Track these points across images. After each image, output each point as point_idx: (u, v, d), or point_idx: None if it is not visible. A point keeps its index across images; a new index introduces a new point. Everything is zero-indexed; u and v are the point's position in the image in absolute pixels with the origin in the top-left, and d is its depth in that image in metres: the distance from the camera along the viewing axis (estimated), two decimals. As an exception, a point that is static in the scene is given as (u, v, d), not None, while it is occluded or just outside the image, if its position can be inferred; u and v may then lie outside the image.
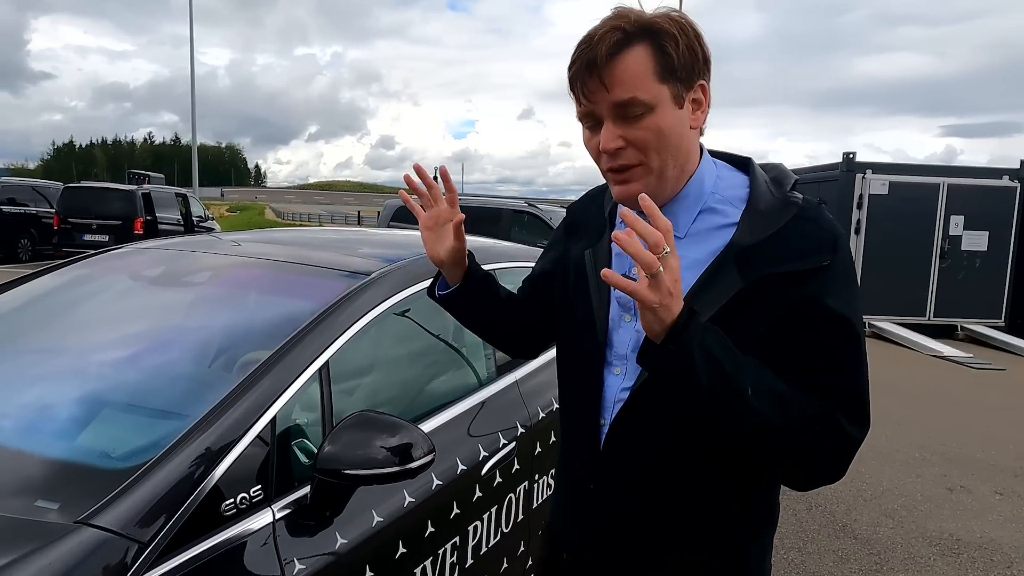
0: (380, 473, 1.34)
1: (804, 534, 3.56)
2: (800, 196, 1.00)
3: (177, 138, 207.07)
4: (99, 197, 14.16)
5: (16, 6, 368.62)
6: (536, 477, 2.14)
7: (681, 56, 0.93)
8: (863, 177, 10.41)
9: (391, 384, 1.98)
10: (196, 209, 16.74)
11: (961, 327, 10.50)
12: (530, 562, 2.14)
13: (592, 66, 0.93)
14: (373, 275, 1.84)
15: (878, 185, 10.42)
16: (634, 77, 0.92)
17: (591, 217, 1.17)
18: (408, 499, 1.58)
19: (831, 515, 3.80)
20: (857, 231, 10.45)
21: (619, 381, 1.04)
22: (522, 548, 2.09)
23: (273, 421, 1.38)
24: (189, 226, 15.58)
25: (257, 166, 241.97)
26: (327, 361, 1.54)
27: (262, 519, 1.30)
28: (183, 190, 17.14)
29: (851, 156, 10.51)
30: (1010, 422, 5.96)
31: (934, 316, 10.63)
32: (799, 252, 0.94)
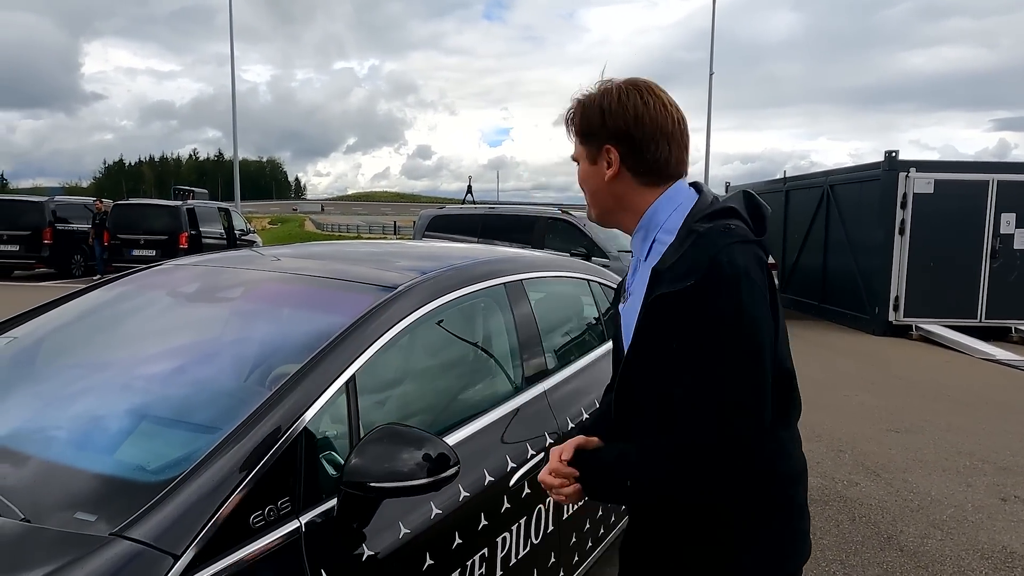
0: (405, 486, 1.36)
1: (847, 546, 3.46)
2: (705, 226, 1.14)
3: (220, 153, 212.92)
4: (146, 214, 14.70)
5: (70, 32, 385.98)
6: (566, 488, 2.14)
7: (579, 124, 1.27)
8: (907, 176, 10.12)
9: (419, 395, 2.00)
10: (238, 223, 17.18)
11: (1015, 329, 10.10)
12: (562, 573, 2.13)
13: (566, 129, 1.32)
14: (400, 288, 1.86)
15: (923, 184, 10.11)
16: (572, 140, 1.31)
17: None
18: (435, 511, 1.60)
19: (875, 526, 3.69)
20: (901, 232, 10.16)
21: (619, 372, 1.29)
22: (552, 559, 2.08)
23: (301, 434, 1.41)
24: (232, 239, 15.99)
25: (297, 179, 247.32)
26: (354, 374, 1.57)
27: (290, 530, 1.32)
28: (225, 204, 17.57)
29: (893, 154, 10.22)
30: (1069, 428, 5.71)
31: (986, 318, 10.25)
32: (679, 275, 1.10)
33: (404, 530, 1.51)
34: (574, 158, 1.31)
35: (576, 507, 2.20)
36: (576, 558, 2.25)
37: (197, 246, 14.07)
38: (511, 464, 1.88)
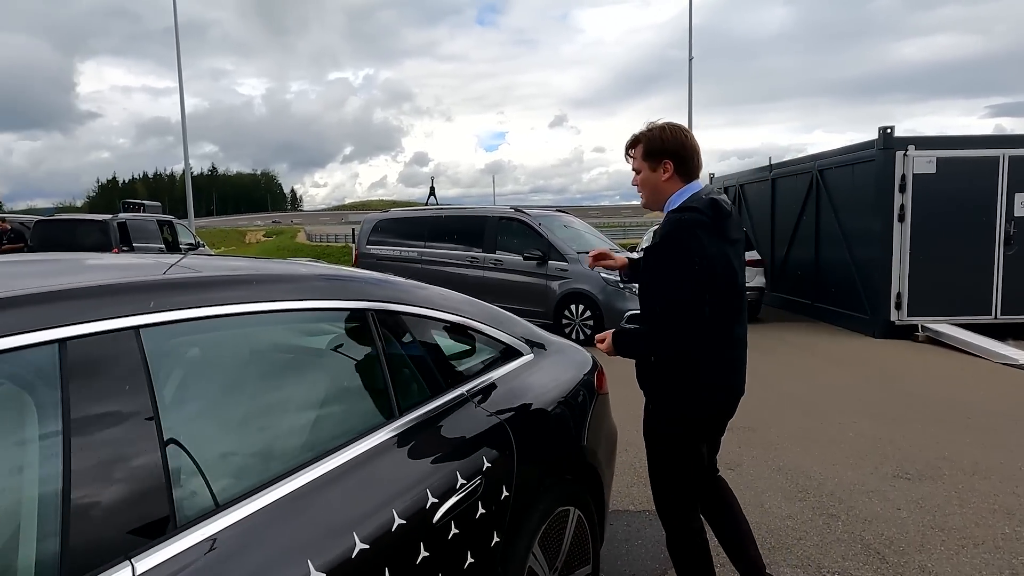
0: None
1: None
2: (678, 215, 2.15)
3: (214, 168, 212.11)
4: (73, 230, 13.37)
5: (64, 52, 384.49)
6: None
7: (648, 148, 2.25)
8: (904, 155, 8.84)
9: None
10: (185, 236, 15.95)
11: (1036, 325, 8.81)
12: None
13: (626, 152, 2.34)
14: None
15: (923, 163, 8.84)
16: (636, 157, 2.29)
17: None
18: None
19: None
20: (901, 218, 8.88)
21: None
22: None
23: None
24: (175, 253, 14.76)
25: (293, 190, 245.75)
26: None
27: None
28: (168, 217, 16.30)
29: (888, 130, 8.94)
30: None
31: (1001, 314, 8.96)
32: (656, 238, 2.16)
33: None
34: (636, 169, 2.30)
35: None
36: None
37: (130, 263, 12.80)
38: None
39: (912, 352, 8.18)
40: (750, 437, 4.84)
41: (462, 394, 1.95)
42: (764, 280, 10.86)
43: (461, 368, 2.05)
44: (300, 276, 1.71)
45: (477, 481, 1.75)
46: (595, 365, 2.75)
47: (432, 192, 48.34)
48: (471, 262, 9.43)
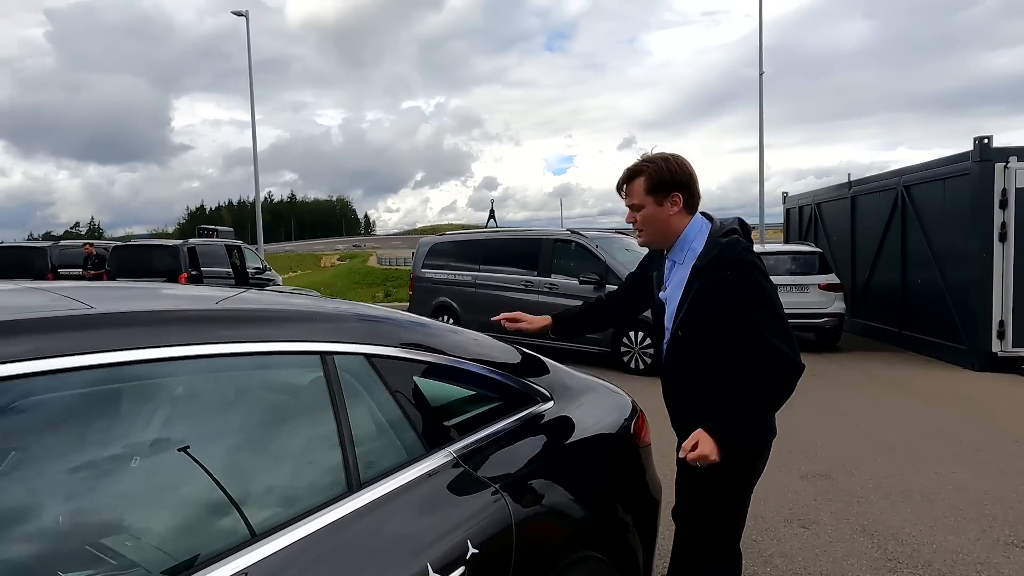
0: None
1: None
2: (724, 240, 1.96)
3: (293, 195, 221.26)
4: (146, 255, 13.99)
5: (161, 89, 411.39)
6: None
7: (654, 182, 2.01)
8: (1006, 167, 7.96)
9: None
10: (253, 261, 16.36)
11: None
12: None
13: (619, 186, 2.10)
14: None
15: (1028, 176, 7.93)
16: (634, 193, 2.05)
17: (657, 254, 2.21)
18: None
19: None
20: (1002, 238, 7.98)
21: (667, 340, 2.10)
22: None
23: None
24: (242, 277, 15.12)
25: (366, 215, 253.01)
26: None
27: None
28: (237, 242, 16.80)
29: (986, 140, 8.08)
30: None
31: None
32: (715, 269, 1.93)
33: None
34: (637, 204, 2.05)
35: None
36: None
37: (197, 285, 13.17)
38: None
39: (1018, 388, 7.25)
40: (828, 488, 4.23)
41: (450, 456, 1.58)
42: (843, 306, 10.01)
43: (451, 422, 1.68)
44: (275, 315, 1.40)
45: (458, 573, 1.37)
46: (633, 411, 2.33)
47: (492, 215, 48.59)
48: (525, 286, 9.07)
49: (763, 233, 17.62)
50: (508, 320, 2.35)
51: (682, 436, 1.98)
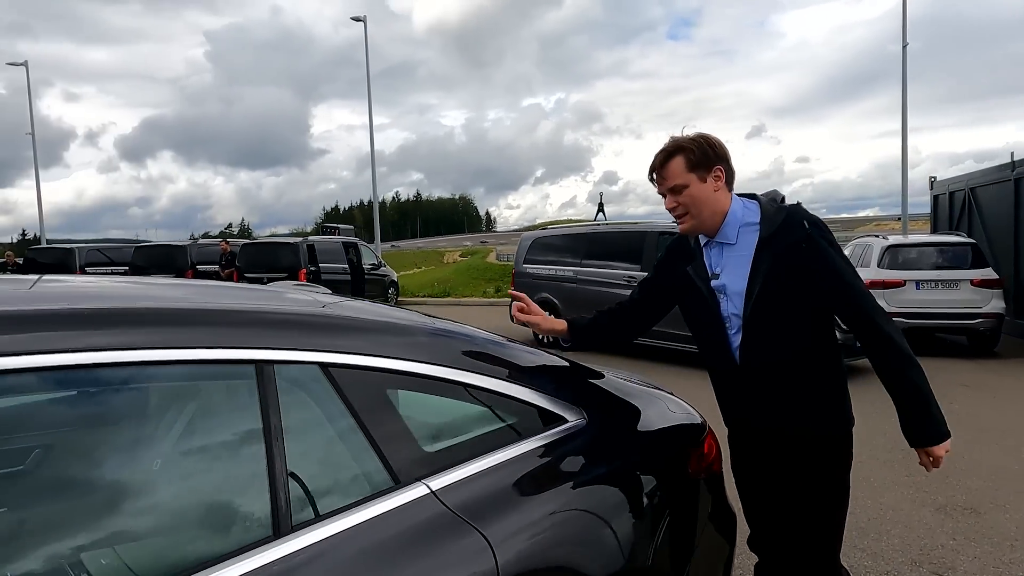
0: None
1: None
2: (787, 205, 1.89)
3: (418, 193, 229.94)
4: (271, 252, 14.86)
5: (301, 98, 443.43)
6: None
7: (697, 157, 1.86)
8: None
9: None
10: (368, 258, 16.97)
11: None
12: None
13: (653, 171, 1.93)
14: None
15: None
16: (673, 173, 1.88)
17: (685, 247, 2.03)
18: None
19: None
20: None
21: (733, 330, 1.92)
22: None
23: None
24: (358, 273, 15.69)
25: (488, 212, 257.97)
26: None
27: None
28: (354, 240, 17.51)
29: None
30: None
31: None
32: (790, 232, 1.82)
33: None
34: (680, 185, 1.87)
35: None
36: None
37: (316, 281, 13.78)
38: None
39: None
40: (972, 525, 3.51)
41: (425, 491, 1.27)
42: (1002, 304, 8.65)
43: (435, 448, 1.37)
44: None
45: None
46: (700, 428, 1.92)
47: (600, 208, 48.16)
48: (628, 281, 8.58)
49: (906, 223, 15.80)
50: (520, 310, 2.12)
51: (754, 432, 1.96)
